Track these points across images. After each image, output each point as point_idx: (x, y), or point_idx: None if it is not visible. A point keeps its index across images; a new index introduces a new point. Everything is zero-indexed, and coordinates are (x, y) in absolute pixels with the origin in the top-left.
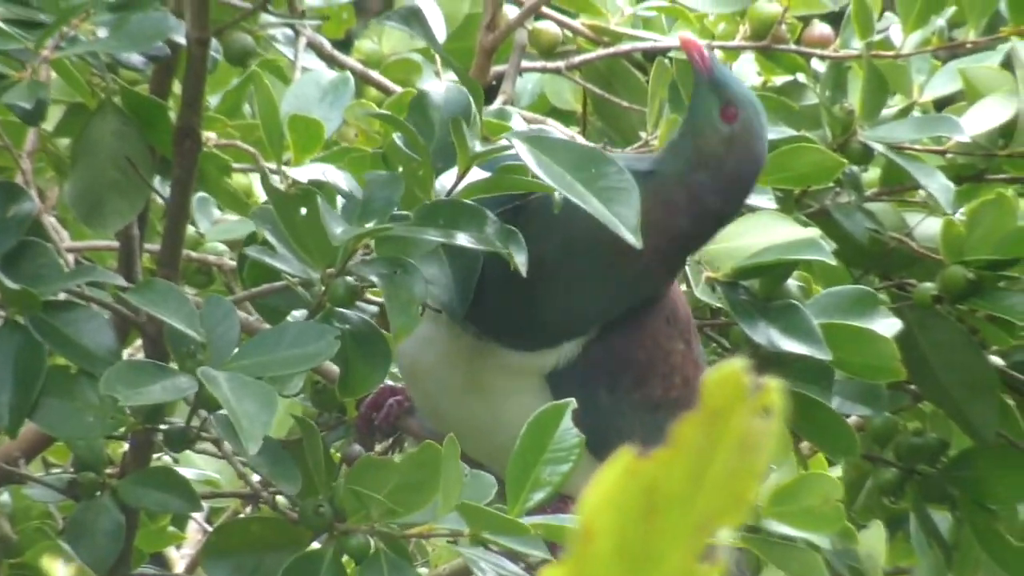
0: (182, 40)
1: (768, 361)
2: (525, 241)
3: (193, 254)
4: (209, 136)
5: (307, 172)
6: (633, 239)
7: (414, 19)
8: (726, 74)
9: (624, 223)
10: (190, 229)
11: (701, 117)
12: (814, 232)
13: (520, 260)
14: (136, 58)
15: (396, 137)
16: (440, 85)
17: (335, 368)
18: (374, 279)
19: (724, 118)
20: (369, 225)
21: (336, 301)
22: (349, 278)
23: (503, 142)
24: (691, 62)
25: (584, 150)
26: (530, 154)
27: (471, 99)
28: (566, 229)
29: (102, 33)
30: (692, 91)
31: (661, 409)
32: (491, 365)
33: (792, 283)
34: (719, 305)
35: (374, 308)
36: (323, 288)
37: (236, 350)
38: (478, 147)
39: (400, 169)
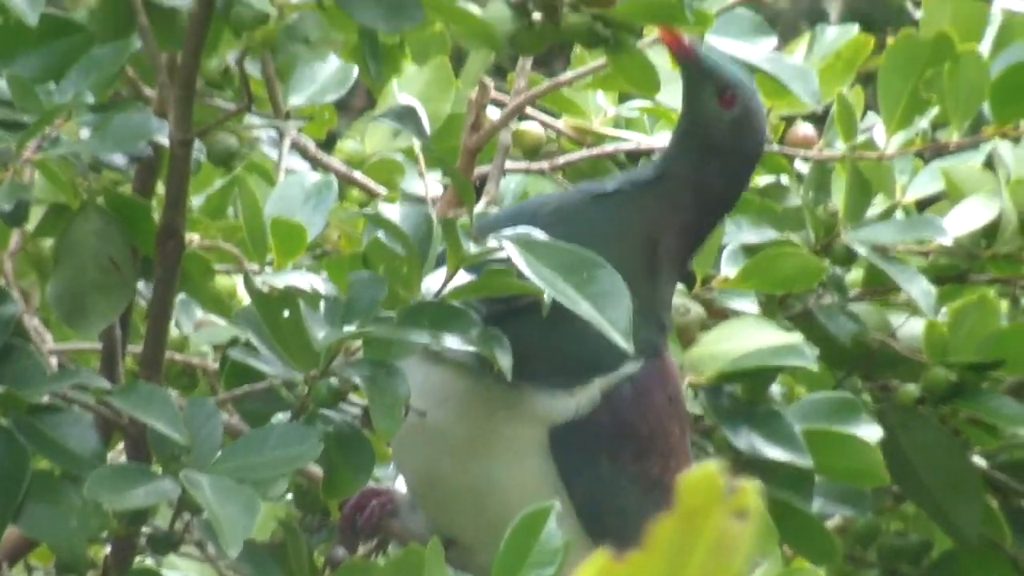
0: (165, 141)
1: (750, 466)
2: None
3: (177, 356)
4: (192, 237)
5: (285, 279)
6: (624, 343)
7: (408, 118)
8: (713, 58)
9: (615, 327)
10: (174, 330)
11: (700, 109)
12: (797, 337)
13: (505, 364)
14: (119, 158)
15: (380, 234)
16: (395, 209)
17: (319, 470)
18: (358, 381)
19: (723, 104)
20: (351, 327)
21: (320, 402)
22: (332, 379)
23: (493, 243)
24: (675, 55)
25: (575, 253)
26: (521, 256)
27: (431, 219)
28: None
29: (85, 134)
30: (683, 82)
31: (656, 490)
32: (504, 416)
33: (775, 388)
34: (701, 411)
35: (357, 410)
36: (306, 389)
37: (220, 452)
38: (471, 248)
39: (381, 268)
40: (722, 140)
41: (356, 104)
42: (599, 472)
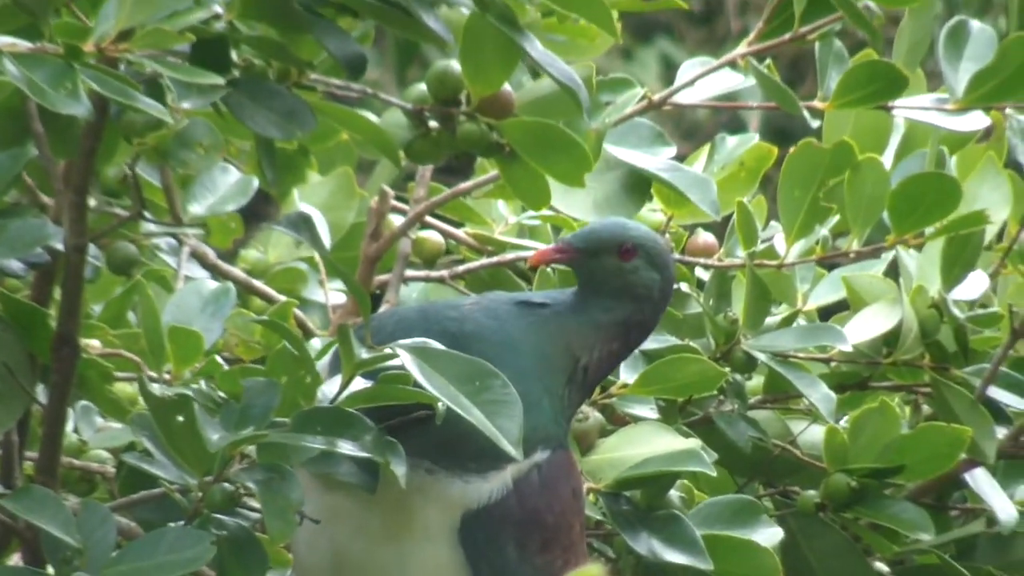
0: (62, 247)
1: (651, 571)
2: (477, 346)
3: (76, 462)
4: (92, 344)
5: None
6: (514, 452)
7: (303, 225)
8: (586, 234)
9: (506, 436)
10: (73, 436)
11: (606, 275)
12: (695, 443)
13: (399, 471)
14: (15, 264)
15: (286, 344)
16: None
17: (213, 574)
18: (251, 485)
19: (625, 259)
20: (246, 432)
21: (213, 507)
22: (227, 484)
23: (388, 351)
24: (559, 263)
25: (469, 362)
26: (415, 364)
27: None
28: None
29: None
30: (577, 271)
31: None
32: (420, 501)
33: (674, 493)
34: (601, 516)
35: (256, 515)
36: (200, 494)
37: (113, 555)
38: (364, 354)
39: (284, 378)
40: (637, 287)
41: (268, 213)
42: (506, 560)
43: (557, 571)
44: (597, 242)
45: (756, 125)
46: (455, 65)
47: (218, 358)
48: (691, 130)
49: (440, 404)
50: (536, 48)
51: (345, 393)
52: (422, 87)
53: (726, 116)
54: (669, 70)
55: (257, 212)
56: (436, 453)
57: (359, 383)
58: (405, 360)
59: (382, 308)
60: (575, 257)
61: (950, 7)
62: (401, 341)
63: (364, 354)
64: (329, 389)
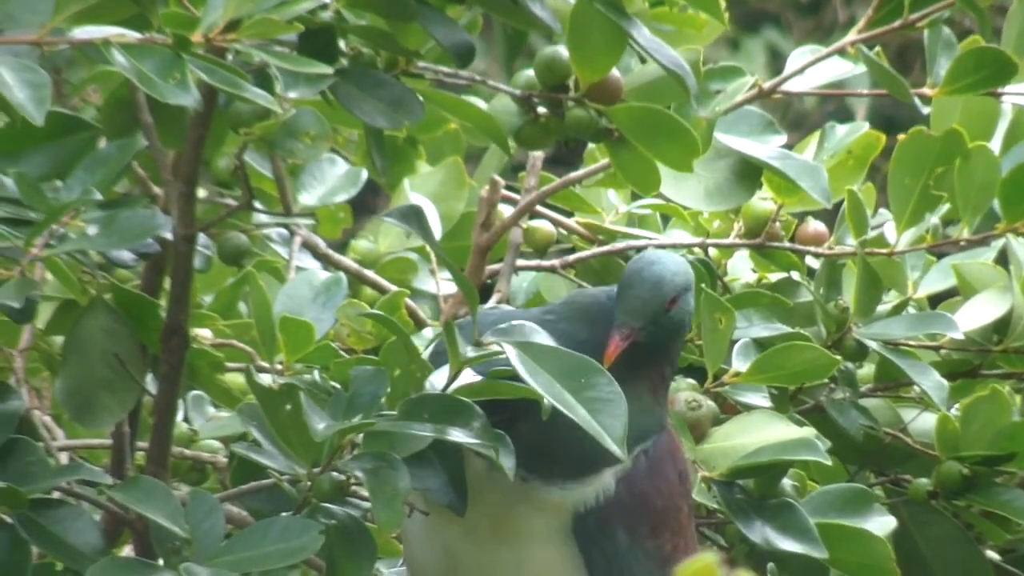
0: (171, 237)
1: (764, 559)
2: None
3: (187, 451)
4: (203, 334)
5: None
6: (618, 451)
7: (413, 217)
8: (633, 309)
9: (610, 434)
10: (184, 426)
11: (658, 324)
12: (809, 432)
13: (508, 464)
14: (126, 255)
15: (397, 339)
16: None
17: (321, 563)
18: (359, 474)
19: (670, 309)
20: (353, 420)
21: (322, 496)
22: (335, 473)
23: (495, 347)
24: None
25: (574, 359)
26: (520, 360)
27: None
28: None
29: (92, 230)
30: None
31: (668, 565)
32: (524, 510)
33: (787, 481)
34: (715, 505)
35: (366, 504)
36: (309, 484)
37: (222, 545)
38: (469, 352)
39: (397, 372)
40: (683, 324)
41: (377, 204)
42: (616, 546)
43: (667, 555)
44: (646, 312)
45: (863, 114)
46: (563, 51)
47: (333, 345)
48: (798, 120)
49: (545, 400)
50: (643, 34)
51: (452, 387)
52: (530, 73)
53: (832, 105)
54: (776, 60)
55: (364, 203)
56: (529, 461)
57: (466, 376)
58: (510, 355)
59: (493, 298)
60: (639, 334)
61: None
62: (507, 335)
63: (470, 351)
64: (436, 379)
